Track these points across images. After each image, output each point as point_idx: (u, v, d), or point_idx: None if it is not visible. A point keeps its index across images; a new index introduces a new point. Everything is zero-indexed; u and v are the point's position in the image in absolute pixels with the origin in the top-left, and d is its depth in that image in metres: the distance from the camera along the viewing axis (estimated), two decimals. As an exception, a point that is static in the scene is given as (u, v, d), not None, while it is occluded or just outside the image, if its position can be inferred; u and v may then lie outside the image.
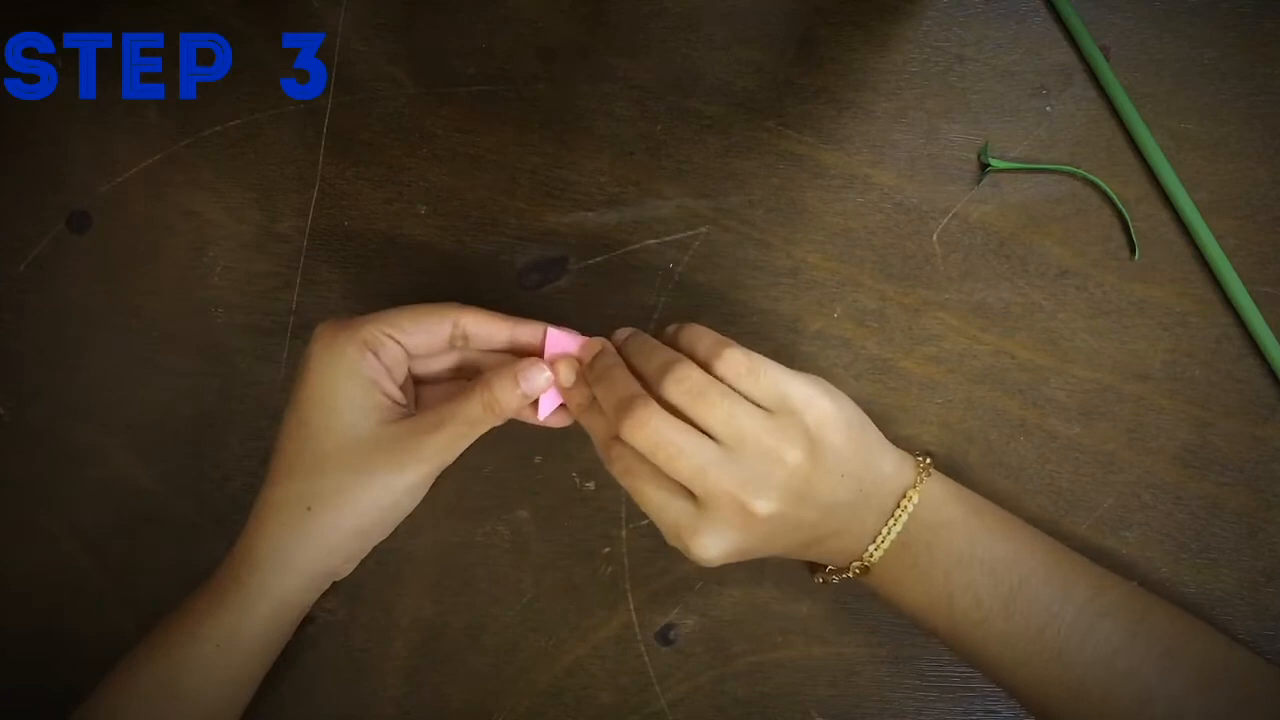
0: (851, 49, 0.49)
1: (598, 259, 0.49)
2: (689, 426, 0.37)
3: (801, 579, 0.47)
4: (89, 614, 0.48)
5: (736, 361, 0.38)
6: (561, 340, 0.41)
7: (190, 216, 0.49)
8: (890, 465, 0.41)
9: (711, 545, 0.38)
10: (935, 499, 0.41)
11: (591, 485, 0.48)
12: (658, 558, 0.48)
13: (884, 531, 0.40)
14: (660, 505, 0.38)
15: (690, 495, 0.38)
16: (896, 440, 0.48)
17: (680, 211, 0.49)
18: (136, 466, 0.48)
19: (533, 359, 0.41)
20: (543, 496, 0.48)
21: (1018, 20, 0.49)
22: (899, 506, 0.40)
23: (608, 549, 0.48)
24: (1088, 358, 0.48)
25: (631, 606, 0.48)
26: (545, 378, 0.40)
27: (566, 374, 0.40)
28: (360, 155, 0.49)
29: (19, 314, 0.49)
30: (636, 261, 0.48)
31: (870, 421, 0.41)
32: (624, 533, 0.48)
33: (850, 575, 0.42)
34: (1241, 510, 0.47)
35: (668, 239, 0.48)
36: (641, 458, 0.38)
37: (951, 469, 0.48)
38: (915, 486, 0.41)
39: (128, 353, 0.48)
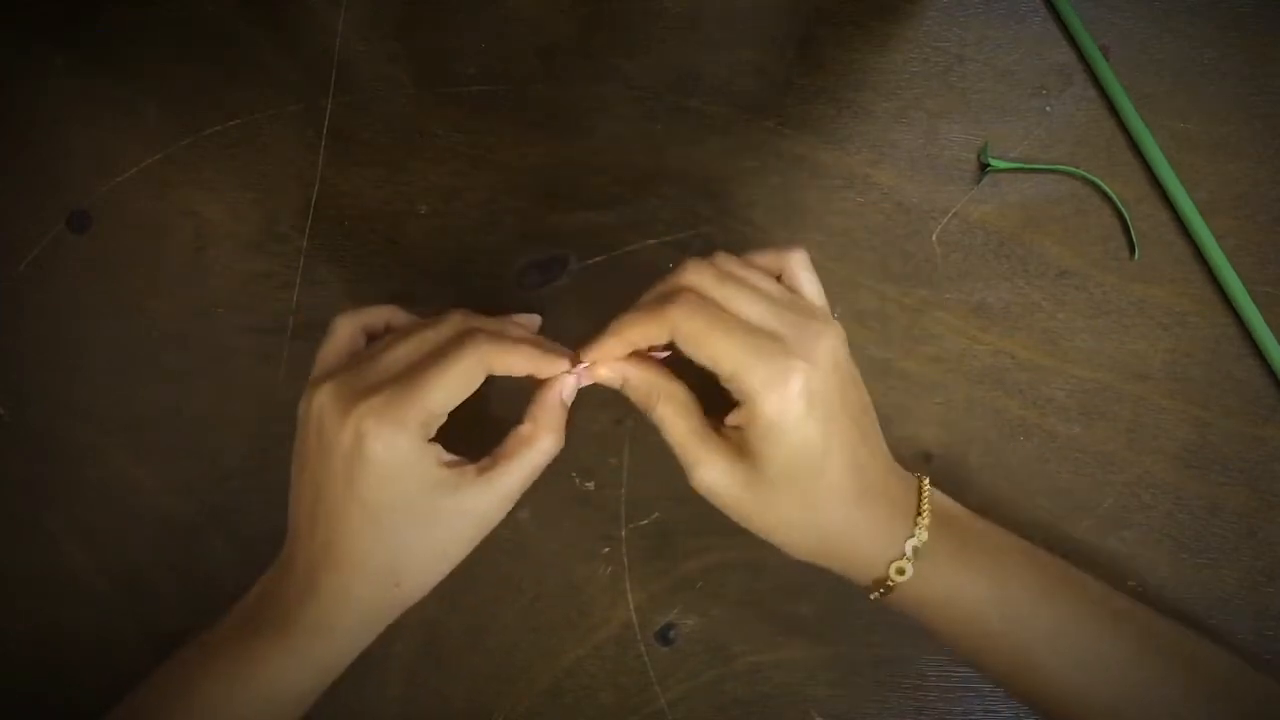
0: (851, 49, 0.49)
1: (598, 259, 0.49)
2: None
3: (802, 579, 0.47)
4: (89, 614, 0.48)
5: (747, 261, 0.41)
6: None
7: (190, 216, 0.49)
8: (896, 477, 0.40)
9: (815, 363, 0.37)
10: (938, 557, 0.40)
11: (591, 485, 0.48)
12: (658, 558, 0.48)
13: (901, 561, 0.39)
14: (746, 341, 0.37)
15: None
16: (897, 440, 0.48)
17: (680, 211, 0.49)
18: (136, 466, 0.48)
19: (564, 377, 0.42)
20: (543, 496, 0.48)
21: (1018, 20, 0.49)
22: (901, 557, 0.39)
23: (608, 549, 0.48)
24: (1088, 358, 0.48)
25: (631, 606, 0.48)
26: (574, 383, 0.42)
27: (614, 378, 0.41)
28: (360, 155, 0.49)
29: (19, 314, 0.49)
30: (636, 261, 0.48)
31: None
32: (624, 533, 0.48)
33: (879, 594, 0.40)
34: (1241, 510, 0.47)
35: (668, 239, 0.48)
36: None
37: (951, 469, 0.48)
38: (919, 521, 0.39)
39: (128, 353, 0.48)
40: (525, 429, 0.41)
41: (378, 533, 0.39)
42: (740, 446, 0.38)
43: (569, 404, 0.43)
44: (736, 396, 0.38)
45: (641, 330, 0.39)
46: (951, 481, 0.47)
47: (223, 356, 0.48)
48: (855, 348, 0.48)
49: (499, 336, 0.40)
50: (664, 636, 0.48)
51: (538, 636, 0.48)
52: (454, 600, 0.48)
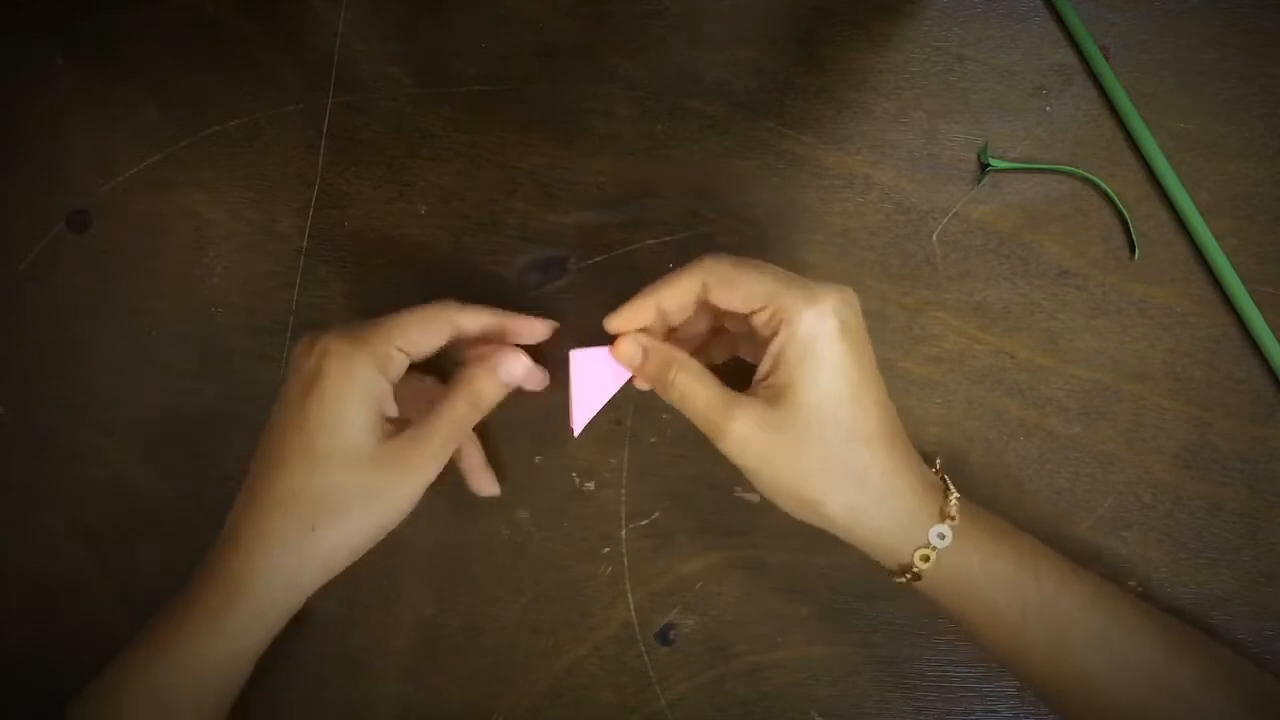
0: (851, 49, 0.49)
1: (598, 259, 0.49)
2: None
3: (802, 579, 0.47)
4: (89, 614, 0.48)
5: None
6: (590, 357, 0.42)
7: (190, 216, 0.49)
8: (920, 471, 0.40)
9: (832, 307, 0.38)
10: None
11: (591, 485, 0.48)
12: (658, 558, 0.48)
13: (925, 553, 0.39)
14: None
15: None
16: (896, 440, 0.48)
17: (680, 211, 0.49)
18: (136, 466, 0.48)
19: (508, 348, 0.42)
20: (543, 496, 0.48)
21: (1018, 20, 0.49)
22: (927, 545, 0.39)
23: (608, 549, 0.48)
24: (1088, 358, 0.48)
25: (631, 606, 0.48)
26: (523, 364, 0.42)
27: (634, 352, 0.41)
28: (360, 155, 0.49)
29: (19, 314, 0.49)
30: (636, 261, 0.48)
31: None
32: (624, 533, 0.48)
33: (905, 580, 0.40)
34: (1241, 510, 0.47)
35: (668, 239, 0.48)
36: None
37: (951, 469, 0.48)
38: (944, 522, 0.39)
39: (128, 353, 0.48)
40: (453, 383, 0.41)
41: (310, 458, 0.39)
42: (771, 396, 0.38)
43: (507, 384, 0.42)
44: (768, 329, 0.38)
45: (669, 288, 0.40)
46: (951, 481, 0.47)
47: (223, 356, 0.48)
48: (855, 348, 0.48)
49: (474, 305, 0.42)
50: (664, 636, 0.48)
51: (537, 636, 0.48)
52: (453, 599, 0.48)
